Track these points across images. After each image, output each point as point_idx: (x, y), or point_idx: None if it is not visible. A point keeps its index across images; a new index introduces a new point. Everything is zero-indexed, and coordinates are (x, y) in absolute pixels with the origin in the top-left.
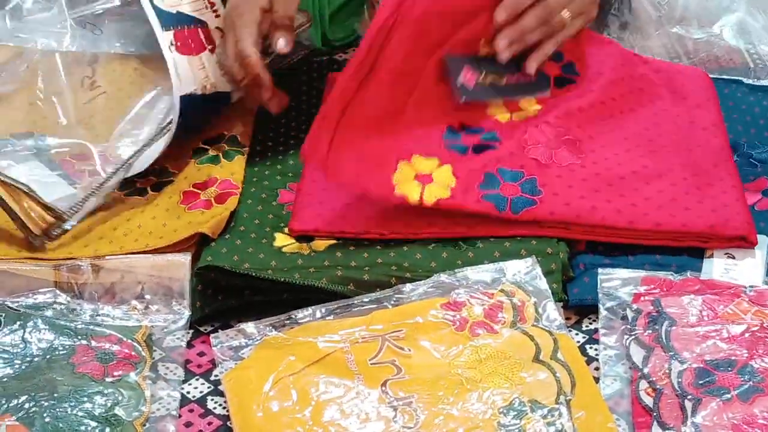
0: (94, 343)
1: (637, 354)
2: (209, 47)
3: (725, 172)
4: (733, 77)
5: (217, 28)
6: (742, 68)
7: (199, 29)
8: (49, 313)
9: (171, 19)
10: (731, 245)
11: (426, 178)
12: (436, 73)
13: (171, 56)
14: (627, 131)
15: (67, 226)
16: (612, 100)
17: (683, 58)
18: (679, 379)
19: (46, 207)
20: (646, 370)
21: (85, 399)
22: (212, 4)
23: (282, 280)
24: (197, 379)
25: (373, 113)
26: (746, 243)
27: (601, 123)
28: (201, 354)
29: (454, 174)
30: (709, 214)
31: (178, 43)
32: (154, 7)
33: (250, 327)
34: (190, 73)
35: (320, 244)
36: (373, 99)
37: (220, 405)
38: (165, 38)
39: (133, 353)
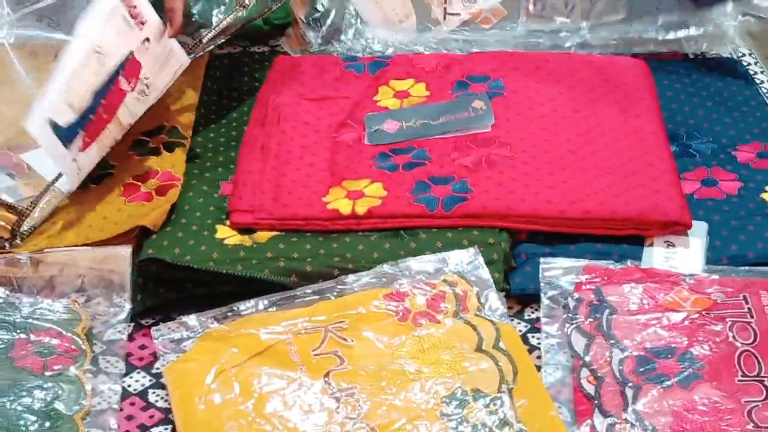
0: (33, 337)
1: (579, 342)
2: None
3: (657, 158)
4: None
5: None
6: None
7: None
8: None
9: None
10: (669, 232)
11: (357, 194)
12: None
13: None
14: (557, 126)
15: (33, 223)
16: (541, 104)
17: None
18: (620, 367)
19: (6, 206)
20: (587, 359)
21: (24, 393)
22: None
23: (224, 272)
24: (138, 372)
25: (294, 155)
26: (681, 227)
27: (530, 125)
28: (142, 347)
29: (384, 188)
30: (639, 200)
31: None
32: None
33: (191, 319)
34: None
35: (262, 236)
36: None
37: (162, 398)
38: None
39: (73, 347)
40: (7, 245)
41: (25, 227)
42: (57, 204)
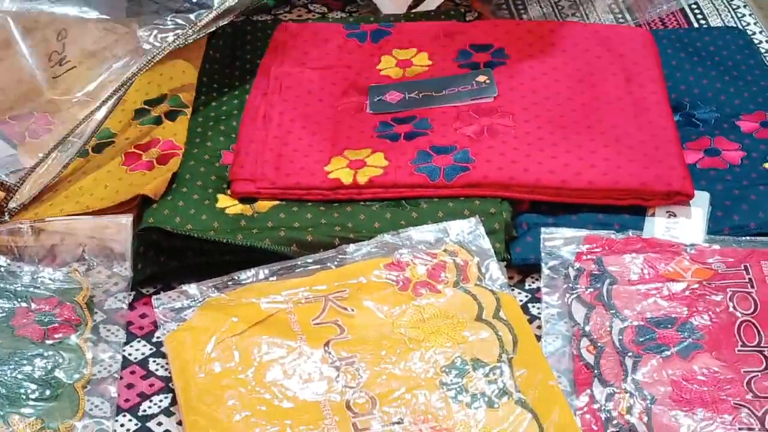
0: (34, 306)
1: (579, 312)
2: None
3: (660, 128)
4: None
5: None
6: None
7: None
8: None
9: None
10: (670, 202)
11: (358, 163)
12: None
13: None
14: (561, 97)
15: (24, 200)
16: (544, 74)
17: (626, 14)
18: (620, 337)
19: None
20: (587, 328)
21: (25, 362)
22: None
23: (224, 241)
24: (139, 341)
25: (296, 124)
26: (683, 197)
27: (533, 95)
28: (143, 316)
29: (386, 158)
30: (642, 171)
31: None
32: None
33: (192, 288)
34: None
35: (263, 205)
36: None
37: (162, 366)
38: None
39: (73, 316)
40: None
41: (12, 204)
42: (48, 182)
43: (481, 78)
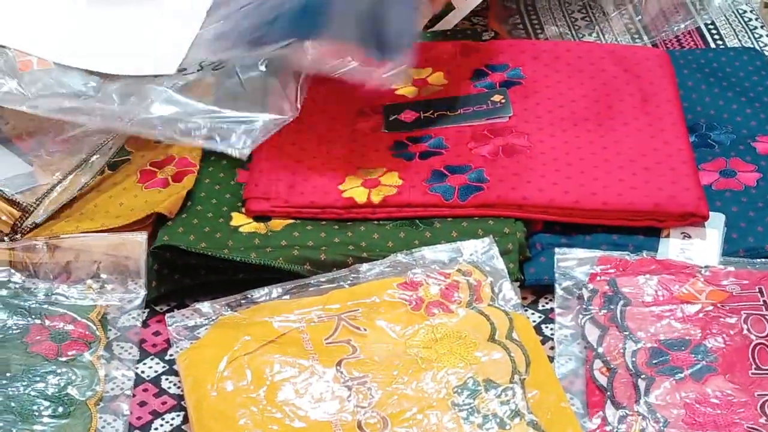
0: (48, 323)
1: (592, 333)
2: None
3: (676, 149)
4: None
5: None
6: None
7: None
8: (3, 292)
9: None
10: (685, 223)
11: (373, 183)
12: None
13: None
14: (576, 117)
15: (37, 219)
16: (560, 94)
17: (642, 33)
18: (633, 359)
19: (11, 201)
20: (600, 350)
21: (38, 378)
22: None
23: (238, 259)
24: (152, 359)
25: (311, 143)
26: (698, 218)
27: (548, 115)
28: (156, 333)
29: (400, 177)
30: (657, 192)
31: None
32: None
33: (205, 306)
34: None
35: (277, 224)
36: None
37: (175, 384)
38: None
39: (87, 333)
40: (6, 239)
41: (27, 223)
42: (64, 200)
43: (497, 98)
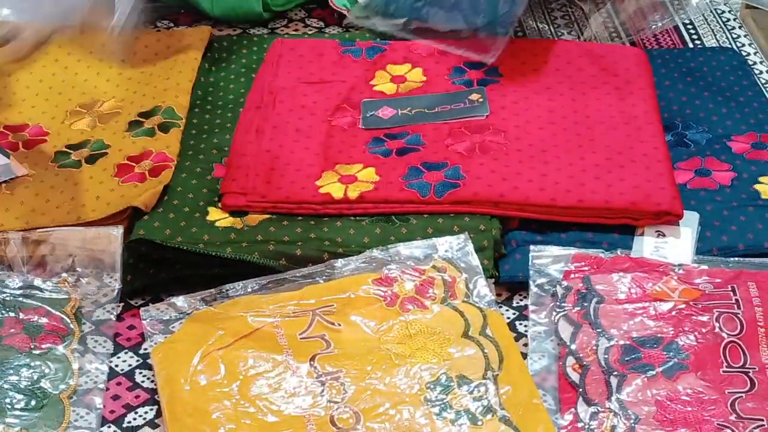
0: (22, 315)
1: (566, 330)
2: None
3: (651, 147)
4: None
5: None
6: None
7: None
8: None
9: None
10: (660, 221)
11: (349, 178)
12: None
13: None
14: (553, 115)
15: None
16: (537, 92)
17: (621, 31)
18: (606, 356)
19: None
20: (573, 347)
21: (11, 371)
22: None
23: (214, 254)
24: (126, 353)
25: (289, 138)
26: (673, 217)
27: (525, 113)
28: (131, 327)
29: (377, 174)
30: (632, 190)
31: None
32: None
33: (180, 301)
34: None
35: (253, 219)
36: (281, 126)
37: (149, 378)
38: None
39: (61, 326)
40: None
41: None
42: None
43: (475, 96)
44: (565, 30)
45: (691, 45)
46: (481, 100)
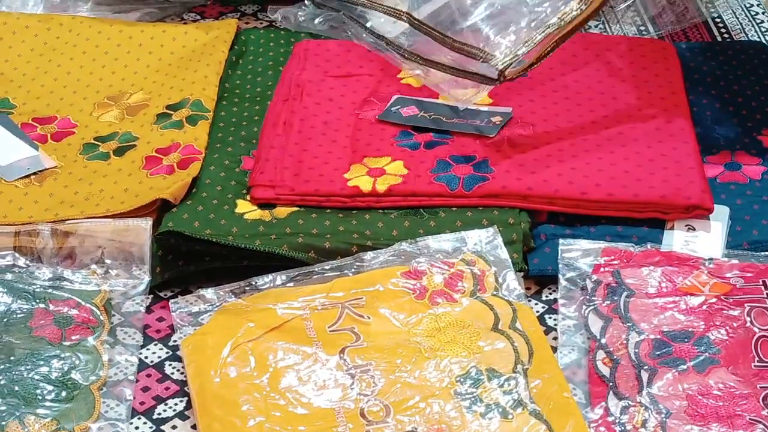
0: (52, 307)
1: (596, 324)
2: None
3: (681, 141)
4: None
5: None
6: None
7: None
8: (7, 276)
9: None
10: (690, 215)
11: (378, 172)
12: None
13: None
14: (582, 109)
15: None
16: (566, 86)
17: (649, 25)
18: (636, 350)
19: None
20: (603, 341)
21: (42, 363)
22: None
23: (242, 246)
24: (155, 344)
25: (316, 131)
26: (703, 211)
27: (554, 106)
28: (160, 319)
29: (405, 167)
30: (661, 184)
31: None
32: None
33: (209, 293)
34: None
35: (282, 211)
36: (309, 120)
37: (178, 370)
38: None
39: (91, 318)
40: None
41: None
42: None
43: (497, 119)
44: (592, 23)
45: (719, 39)
46: (499, 122)
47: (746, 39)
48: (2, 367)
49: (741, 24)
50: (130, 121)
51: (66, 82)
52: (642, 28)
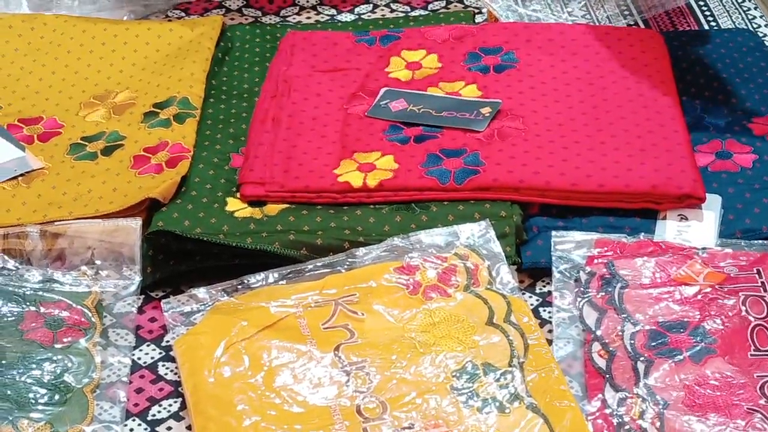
0: (43, 310)
1: (590, 316)
2: None
3: (671, 131)
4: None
5: None
6: None
7: None
8: None
9: None
10: (682, 205)
11: (368, 167)
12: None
13: None
14: (571, 100)
15: None
16: (554, 77)
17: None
18: (632, 341)
19: None
20: (598, 333)
21: (34, 366)
22: None
23: (234, 244)
24: (148, 345)
25: (305, 127)
26: (695, 200)
27: (543, 98)
28: (152, 320)
29: (396, 161)
30: (653, 174)
31: None
32: None
33: (201, 292)
34: None
35: (273, 209)
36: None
37: (172, 371)
38: None
39: (83, 319)
40: None
41: None
42: None
43: (486, 110)
44: (576, 5)
45: (706, 26)
46: (486, 116)
47: (733, 26)
48: None
49: (727, 11)
50: (117, 120)
51: (51, 82)
52: (626, 11)
